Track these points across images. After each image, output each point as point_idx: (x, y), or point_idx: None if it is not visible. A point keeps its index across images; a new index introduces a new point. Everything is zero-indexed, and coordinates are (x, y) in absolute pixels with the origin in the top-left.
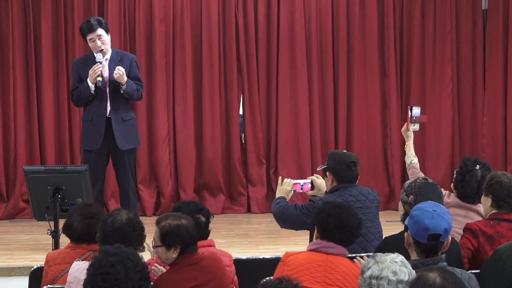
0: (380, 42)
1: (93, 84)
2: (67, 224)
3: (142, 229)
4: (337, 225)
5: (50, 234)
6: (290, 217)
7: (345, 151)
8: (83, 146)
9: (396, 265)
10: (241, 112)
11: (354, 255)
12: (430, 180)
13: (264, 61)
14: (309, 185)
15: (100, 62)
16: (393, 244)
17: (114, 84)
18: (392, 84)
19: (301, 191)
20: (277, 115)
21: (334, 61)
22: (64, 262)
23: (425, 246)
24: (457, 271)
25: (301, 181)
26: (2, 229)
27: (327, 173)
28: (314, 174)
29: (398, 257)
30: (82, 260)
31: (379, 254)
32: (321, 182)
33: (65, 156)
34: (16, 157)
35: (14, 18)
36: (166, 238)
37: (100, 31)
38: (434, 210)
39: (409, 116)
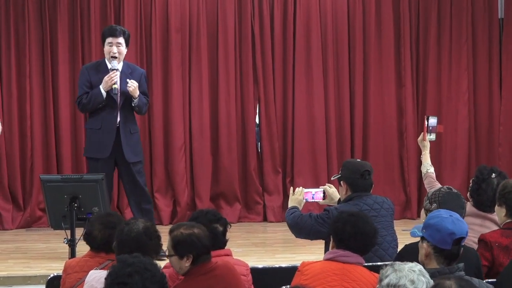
0: (396, 51)
1: (105, 91)
2: (88, 232)
3: (158, 237)
4: (353, 233)
5: (66, 243)
6: (305, 227)
7: (359, 160)
8: (88, 154)
9: (414, 274)
10: (257, 121)
11: (370, 264)
12: (454, 190)
13: (280, 70)
14: (321, 194)
15: (117, 70)
16: (413, 252)
17: (125, 95)
18: (408, 93)
19: (312, 200)
20: (293, 124)
21: (350, 70)
22: (82, 271)
23: (449, 252)
24: (475, 281)
25: (313, 190)
26: (19, 237)
27: (341, 182)
28: (327, 184)
29: (417, 266)
30: (100, 269)
31: (397, 262)
32: (333, 192)
33: (81, 165)
34: (33, 166)
35: (30, 27)
36: (178, 247)
37: (121, 39)
38: (451, 216)
39: (426, 125)
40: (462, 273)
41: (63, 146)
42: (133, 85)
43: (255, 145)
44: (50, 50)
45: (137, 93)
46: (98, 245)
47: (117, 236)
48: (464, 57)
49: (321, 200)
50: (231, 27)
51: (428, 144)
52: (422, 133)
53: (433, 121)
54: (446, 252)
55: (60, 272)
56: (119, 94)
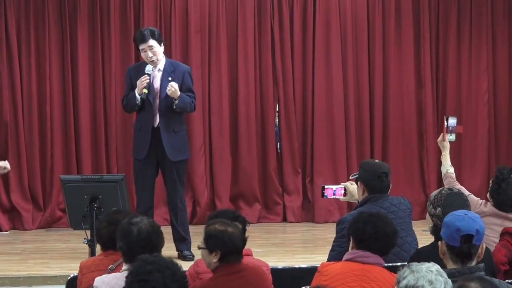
0: (416, 52)
1: (139, 95)
2: (96, 230)
3: (162, 232)
4: (373, 233)
5: (86, 243)
6: (335, 258)
7: (377, 160)
8: (133, 155)
9: (432, 274)
10: (276, 122)
11: (390, 264)
12: (455, 190)
13: (299, 70)
14: (342, 191)
15: (149, 74)
16: (425, 256)
17: (166, 96)
18: (428, 93)
19: (333, 196)
20: (313, 124)
21: (369, 70)
22: (98, 270)
23: (458, 250)
24: (495, 281)
25: (334, 187)
26: (39, 238)
27: (358, 182)
28: (348, 181)
29: (434, 266)
30: (116, 266)
31: (414, 263)
32: (354, 189)
33: (101, 165)
34: (53, 167)
35: (50, 29)
36: (209, 241)
37: (152, 42)
38: (465, 214)
39: (445, 126)
40: (483, 273)
41: (83, 146)
42: (171, 89)
43: (275, 145)
44: (70, 51)
45: (177, 94)
46: (104, 243)
47: (124, 237)
48: (484, 58)
49: (341, 197)
50: (250, 27)
51: (448, 145)
52: (442, 133)
53: (452, 121)
54: (456, 250)
55: None
56: (157, 95)
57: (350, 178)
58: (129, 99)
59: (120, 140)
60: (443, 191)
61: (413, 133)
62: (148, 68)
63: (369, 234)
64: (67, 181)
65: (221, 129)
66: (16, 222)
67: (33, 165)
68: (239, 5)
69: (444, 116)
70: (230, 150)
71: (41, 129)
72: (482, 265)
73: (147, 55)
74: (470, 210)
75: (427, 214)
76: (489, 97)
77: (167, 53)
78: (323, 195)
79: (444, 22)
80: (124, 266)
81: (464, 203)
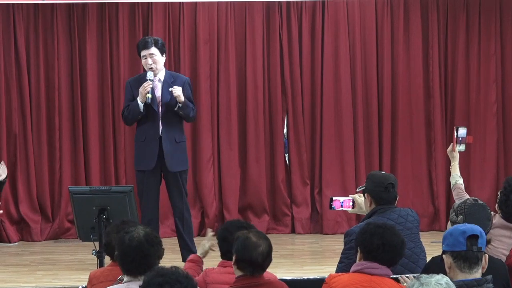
0: (425, 62)
1: (142, 102)
2: (106, 243)
3: (160, 243)
4: (380, 244)
5: (95, 255)
6: (343, 270)
7: (383, 172)
8: (136, 166)
9: (441, 287)
10: (285, 133)
11: (399, 276)
12: (480, 201)
13: (308, 81)
14: (350, 203)
15: (151, 80)
16: (440, 264)
17: (167, 105)
18: (436, 104)
19: (341, 208)
20: (322, 136)
21: (378, 81)
22: (107, 280)
23: (465, 254)
24: None
25: (342, 198)
26: (47, 249)
27: (365, 194)
28: (357, 193)
29: (443, 279)
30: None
31: (424, 275)
32: (362, 201)
33: (110, 177)
34: (61, 178)
35: (59, 40)
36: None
37: (154, 50)
38: (466, 225)
39: (455, 136)
40: (491, 285)
41: (91, 157)
42: (176, 92)
43: (283, 156)
44: (78, 63)
45: (181, 99)
46: (113, 253)
47: (118, 246)
48: (493, 69)
49: (350, 209)
50: (259, 39)
51: (457, 155)
52: (452, 143)
53: (462, 131)
54: (463, 254)
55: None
56: (159, 105)
57: (357, 190)
58: (132, 108)
59: (128, 151)
60: (468, 201)
61: (422, 144)
62: (150, 74)
63: (377, 245)
64: (75, 193)
65: (229, 140)
66: (24, 233)
67: (42, 176)
68: (247, 17)
69: (454, 127)
70: (238, 161)
71: (49, 141)
72: (489, 277)
73: (147, 62)
74: (491, 224)
75: (448, 222)
76: (498, 108)
77: (176, 64)
78: (330, 207)
79: (453, 32)
80: (126, 278)
81: (486, 216)
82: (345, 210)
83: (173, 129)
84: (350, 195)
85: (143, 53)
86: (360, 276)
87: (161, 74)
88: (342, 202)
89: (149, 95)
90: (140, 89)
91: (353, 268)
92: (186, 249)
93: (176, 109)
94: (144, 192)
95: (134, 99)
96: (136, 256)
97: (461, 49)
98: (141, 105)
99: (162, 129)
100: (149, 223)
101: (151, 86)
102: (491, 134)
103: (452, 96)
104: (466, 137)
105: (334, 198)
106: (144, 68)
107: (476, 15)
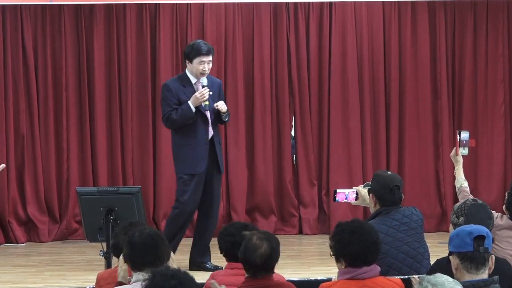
0: (432, 63)
1: (194, 107)
2: (114, 244)
3: (167, 243)
4: (365, 248)
5: (102, 255)
6: None
7: (389, 172)
8: (186, 170)
9: (452, 284)
10: (292, 134)
11: (406, 276)
12: (480, 201)
13: (315, 82)
14: (354, 195)
15: (208, 86)
16: (445, 266)
17: (213, 109)
18: (444, 105)
19: (345, 200)
20: (329, 137)
21: (386, 82)
22: (115, 281)
23: (472, 254)
24: None
25: (346, 191)
26: (55, 250)
27: (370, 195)
28: (360, 185)
29: (450, 278)
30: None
31: (431, 277)
32: (365, 193)
33: (117, 178)
34: (69, 179)
35: (67, 41)
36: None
37: (211, 57)
38: (471, 226)
39: (458, 140)
40: (497, 286)
41: (99, 158)
42: (223, 107)
43: (291, 157)
44: (86, 63)
45: (225, 108)
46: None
47: (127, 243)
48: (500, 70)
49: (353, 201)
50: (266, 40)
51: (461, 159)
52: (455, 148)
53: (465, 135)
54: (470, 255)
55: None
56: (209, 110)
57: (363, 187)
58: (183, 112)
59: (136, 152)
60: (467, 202)
61: (429, 145)
62: (203, 80)
63: (362, 251)
64: (83, 193)
65: (236, 141)
66: (32, 234)
67: (49, 177)
68: (255, 17)
69: (457, 130)
70: (246, 162)
71: (57, 141)
72: (496, 277)
73: (204, 67)
74: (492, 223)
75: (450, 225)
76: (506, 109)
77: (184, 65)
78: (334, 199)
79: (460, 33)
80: (134, 277)
81: (487, 215)
82: (349, 202)
83: (217, 132)
84: (353, 187)
85: (202, 58)
86: (353, 283)
87: (204, 79)
88: (347, 194)
89: (207, 102)
90: (197, 95)
91: (342, 276)
92: (206, 251)
93: (223, 118)
94: (191, 194)
95: (180, 102)
96: (146, 248)
97: (469, 50)
98: (193, 109)
99: (212, 133)
100: (189, 218)
101: (210, 93)
102: (498, 135)
103: (460, 96)
104: (469, 141)
105: (338, 191)
106: (184, 70)
107: (484, 16)
